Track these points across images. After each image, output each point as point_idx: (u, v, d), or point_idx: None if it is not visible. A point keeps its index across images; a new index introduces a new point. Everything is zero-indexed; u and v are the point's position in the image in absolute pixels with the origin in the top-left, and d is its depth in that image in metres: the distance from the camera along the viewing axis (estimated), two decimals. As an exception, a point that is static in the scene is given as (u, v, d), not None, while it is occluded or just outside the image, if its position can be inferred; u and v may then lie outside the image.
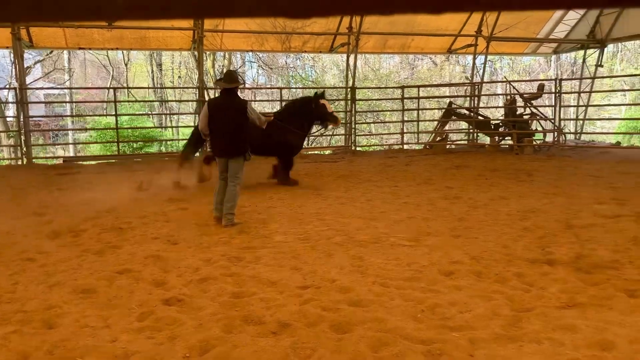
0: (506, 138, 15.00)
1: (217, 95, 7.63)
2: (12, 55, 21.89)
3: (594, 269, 4.51)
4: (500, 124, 15.22)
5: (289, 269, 4.71)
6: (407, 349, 3.11)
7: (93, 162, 13.29)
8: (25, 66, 14.77)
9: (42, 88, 25.70)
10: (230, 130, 6.38)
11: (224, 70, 24.25)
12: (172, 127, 24.39)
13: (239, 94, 6.93)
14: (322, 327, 3.45)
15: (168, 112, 25.00)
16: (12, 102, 12.55)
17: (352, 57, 15.26)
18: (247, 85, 26.80)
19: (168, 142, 19.67)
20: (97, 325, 3.55)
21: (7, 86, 21.43)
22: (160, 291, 4.16)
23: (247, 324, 3.53)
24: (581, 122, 17.67)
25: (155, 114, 25.13)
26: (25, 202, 7.93)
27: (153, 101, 25.89)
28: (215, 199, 6.59)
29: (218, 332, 3.38)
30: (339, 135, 16.39)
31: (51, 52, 23.47)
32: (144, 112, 22.26)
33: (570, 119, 18.46)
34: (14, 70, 22.62)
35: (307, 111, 9.48)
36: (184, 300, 3.95)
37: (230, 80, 6.49)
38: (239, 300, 3.93)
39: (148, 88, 27.00)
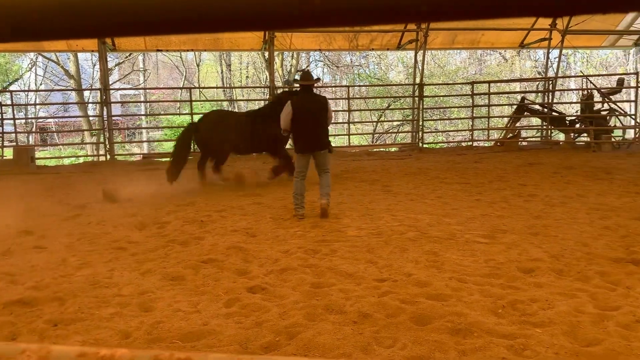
0: (582, 135, 14.41)
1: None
2: (93, 58, 23.32)
3: (684, 270, 4.31)
4: (576, 120, 14.64)
5: (364, 262, 4.81)
6: (490, 342, 3.13)
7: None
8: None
9: (125, 88, 27.12)
10: (316, 126, 6.69)
11: (292, 70, 24.67)
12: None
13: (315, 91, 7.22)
14: (402, 318, 3.52)
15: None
16: (96, 103, 13.38)
17: (420, 53, 15.14)
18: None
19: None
20: (188, 310, 3.79)
21: (90, 87, 22.84)
22: (244, 280, 4.37)
23: (328, 312, 3.66)
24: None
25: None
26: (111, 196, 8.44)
27: (223, 100, 26.72)
28: (296, 199, 6.76)
29: (302, 319, 3.53)
30: (405, 132, 16.32)
31: (130, 55, 24.74)
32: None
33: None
34: (95, 72, 24.10)
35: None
36: (267, 289, 4.13)
37: (308, 78, 6.88)
38: (319, 290, 4.07)
39: (224, 88, 27.81)
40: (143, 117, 26.01)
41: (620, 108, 14.37)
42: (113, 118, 14.56)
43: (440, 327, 3.36)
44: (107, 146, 13.54)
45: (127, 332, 3.46)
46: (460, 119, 21.55)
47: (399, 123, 23.23)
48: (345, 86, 18.64)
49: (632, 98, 14.26)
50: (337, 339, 3.25)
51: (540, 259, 4.75)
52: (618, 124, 14.69)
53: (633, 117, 13.95)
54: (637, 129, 13.82)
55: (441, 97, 22.63)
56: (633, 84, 14.08)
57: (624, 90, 14.73)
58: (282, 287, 4.19)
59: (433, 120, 21.20)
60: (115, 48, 14.34)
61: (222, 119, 9.70)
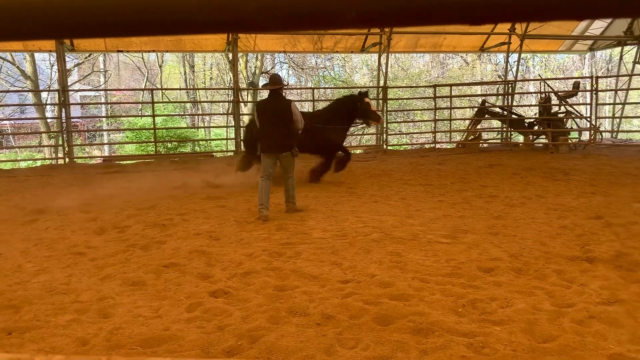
0: (541, 137, 14.82)
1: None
2: (51, 58, 22.68)
3: (635, 267, 4.49)
4: (535, 122, 15.04)
5: (329, 264, 4.82)
6: (450, 341, 3.18)
7: (131, 162, 13.67)
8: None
9: (85, 90, 26.45)
10: (278, 128, 6.85)
11: (257, 72, 24.55)
12: (204, 127, 24.83)
13: (283, 94, 7.37)
14: (365, 319, 3.54)
15: (201, 112, 25.45)
16: (55, 104, 13.00)
17: (383, 56, 15.29)
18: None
19: (201, 142, 20.03)
20: (149, 315, 3.73)
21: (48, 88, 22.19)
22: (206, 284, 4.32)
23: (292, 315, 3.65)
24: (618, 120, 17.33)
25: (188, 115, 25.62)
26: (70, 200, 8.22)
27: (186, 102, 26.38)
28: (260, 199, 6.76)
29: (265, 322, 3.51)
30: (370, 134, 16.46)
31: (89, 55, 24.14)
32: (178, 113, 22.73)
33: (606, 117, 18.11)
34: (53, 73, 23.42)
35: (351, 109, 9.67)
36: (230, 293, 4.10)
37: (275, 82, 7.06)
38: (283, 293, 4.06)
39: (187, 89, 27.49)
40: (104, 119, 25.43)
41: (577, 111, 14.84)
42: (72, 120, 14.19)
43: (402, 327, 3.40)
44: (66, 149, 13.17)
45: (85, 339, 3.37)
46: (423, 121, 21.87)
47: (363, 125, 23.40)
48: (311, 88, 18.66)
49: (588, 101, 14.74)
50: (300, 341, 3.25)
51: (500, 258, 4.85)
52: (574, 126, 15.16)
53: (588, 119, 14.42)
54: (593, 131, 14.30)
55: (405, 100, 22.90)
56: (588, 87, 14.59)
57: (579, 93, 15.22)
58: (246, 290, 4.16)
59: (397, 122, 21.47)
60: (74, 48, 13.97)
61: None
